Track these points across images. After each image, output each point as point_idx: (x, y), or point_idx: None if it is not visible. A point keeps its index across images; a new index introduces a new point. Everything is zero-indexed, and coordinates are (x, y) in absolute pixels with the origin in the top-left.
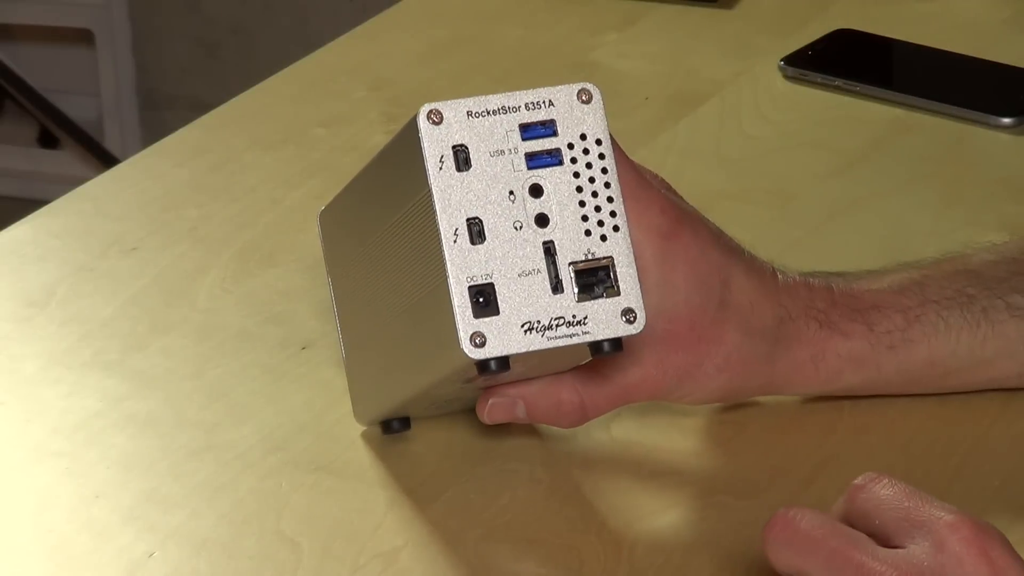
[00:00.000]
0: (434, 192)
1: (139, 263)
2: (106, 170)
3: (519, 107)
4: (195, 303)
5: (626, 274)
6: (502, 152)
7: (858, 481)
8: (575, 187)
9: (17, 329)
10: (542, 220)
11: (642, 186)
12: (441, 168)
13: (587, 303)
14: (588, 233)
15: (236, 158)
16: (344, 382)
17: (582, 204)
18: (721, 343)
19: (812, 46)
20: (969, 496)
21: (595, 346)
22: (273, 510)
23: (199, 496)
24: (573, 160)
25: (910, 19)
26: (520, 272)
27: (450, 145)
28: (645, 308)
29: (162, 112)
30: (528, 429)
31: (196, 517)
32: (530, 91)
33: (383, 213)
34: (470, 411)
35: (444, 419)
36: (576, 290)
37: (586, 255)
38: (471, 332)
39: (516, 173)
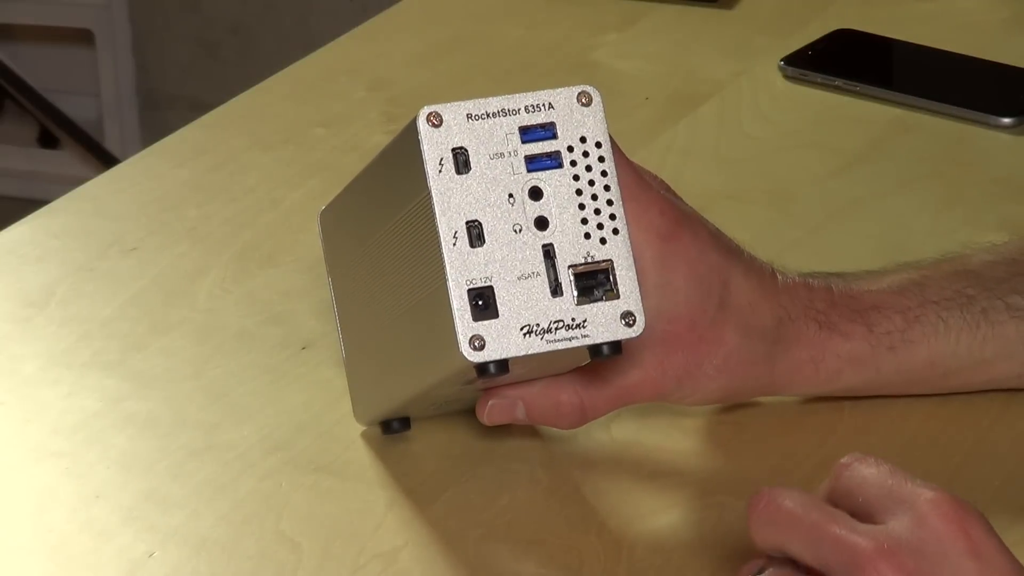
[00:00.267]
0: (433, 195)
1: (139, 263)
2: (106, 170)
3: (519, 110)
4: (195, 303)
5: (625, 277)
6: (502, 155)
7: (843, 460)
8: (575, 190)
9: (16, 329)
10: (542, 223)
11: (641, 187)
12: (440, 171)
13: (586, 306)
14: (588, 236)
15: (236, 158)
16: (344, 382)
17: (582, 207)
18: (721, 344)
19: (812, 46)
20: (969, 496)
21: (594, 349)
22: (273, 510)
23: (199, 496)
24: (573, 163)
25: (910, 19)
26: (519, 275)
27: (449, 148)
28: (645, 310)
29: (162, 112)
30: (528, 430)
31: (196, 517)
32: (530, 93)
33: (383, 214)
34: (470, 411)
35: (444, 419)
36: (575, 293)
37: (585, 258)
38: (470, 335)
39: (516, 176)
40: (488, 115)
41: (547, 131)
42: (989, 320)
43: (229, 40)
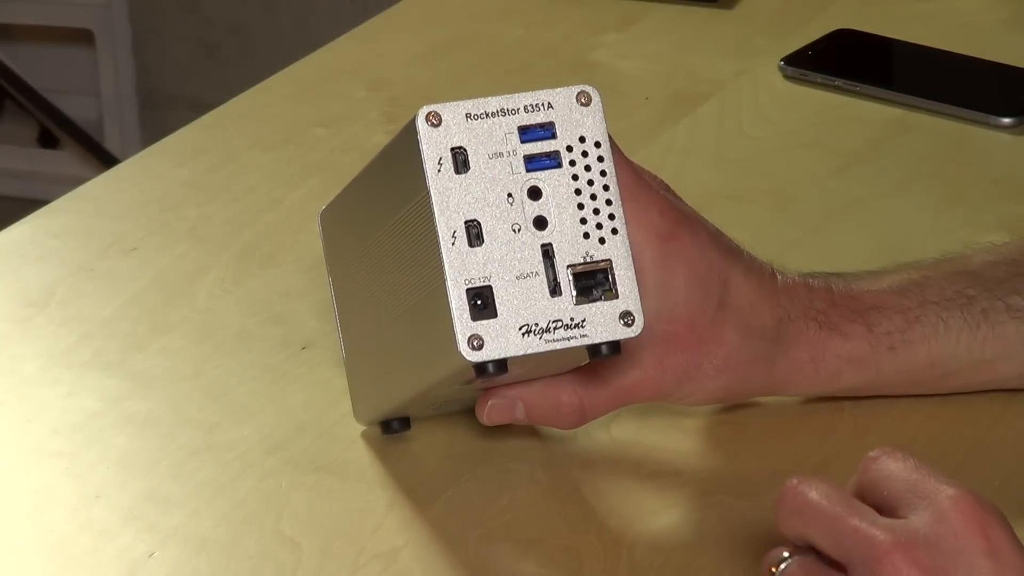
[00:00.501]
0: (432, 194)
1: (139, 263)
2: (106, 170)
3: (518, 109)
4: (195, 303)
5: (624, 277)
6: (501, 154)
7: (872, 453)
8: (574, 189)
9: (17, 329)
10: (540, 223)
11: (641, 187)
12: (439, 170)
13: (585, 306)
14: (587, 236)
15: (236, 158)
16: (344, 382)
17: (581, 207)
18: (720, 344)
19: (812, 46)
20: None
21: (593, 349)
22: (273, 510)
23: (199, 496)
24: (572, 163)
25: (910, 19)
26: (518, 275)
27: (448, 147)
28: (644, 310)
29: (162, 112)
30: (528, 430)
31: (196, 517)
32: (529, 93)
33: (382, 214)
34: (470, 411)
35: (444, 419)
36: (574, 293)
37: (584, 258)
38: (469, 335)
39: (515, 175)
40: (487, 115)
41: (546, 131)
42: (989, 321)
43: (229, 40)
